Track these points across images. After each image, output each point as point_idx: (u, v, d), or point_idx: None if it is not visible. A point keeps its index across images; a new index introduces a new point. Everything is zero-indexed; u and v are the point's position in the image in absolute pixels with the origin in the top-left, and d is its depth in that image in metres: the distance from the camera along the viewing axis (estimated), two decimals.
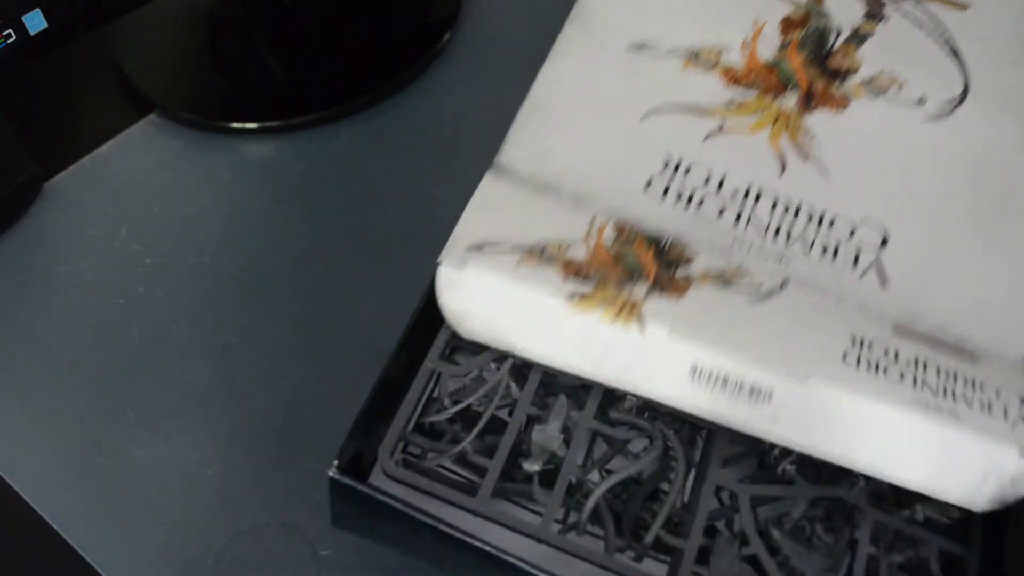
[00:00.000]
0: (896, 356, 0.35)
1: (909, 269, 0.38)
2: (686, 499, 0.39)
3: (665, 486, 0.39)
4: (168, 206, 0.60)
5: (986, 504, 0.35)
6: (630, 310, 0.36)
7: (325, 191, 0.60)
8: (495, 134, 0.61)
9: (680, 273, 0.37)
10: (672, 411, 0.37)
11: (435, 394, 0.40)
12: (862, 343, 0.35)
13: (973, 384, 0.35)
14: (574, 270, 0.36)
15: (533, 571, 0.35)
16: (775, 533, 0.37)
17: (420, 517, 0.35)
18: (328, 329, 0.53)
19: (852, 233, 0.39)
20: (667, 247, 0.38)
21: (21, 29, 0.53)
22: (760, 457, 0.40)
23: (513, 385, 0.39)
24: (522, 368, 0.39)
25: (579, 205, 0.39)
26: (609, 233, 0.38)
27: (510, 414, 0.39)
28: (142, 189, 0.60)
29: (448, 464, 0.39)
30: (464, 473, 0.39)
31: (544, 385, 0.39)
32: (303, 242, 0.58)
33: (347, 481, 0.36)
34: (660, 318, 0.35)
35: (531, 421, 0.39)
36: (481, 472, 0.37)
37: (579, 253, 0.37)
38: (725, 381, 0.35)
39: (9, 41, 0.52)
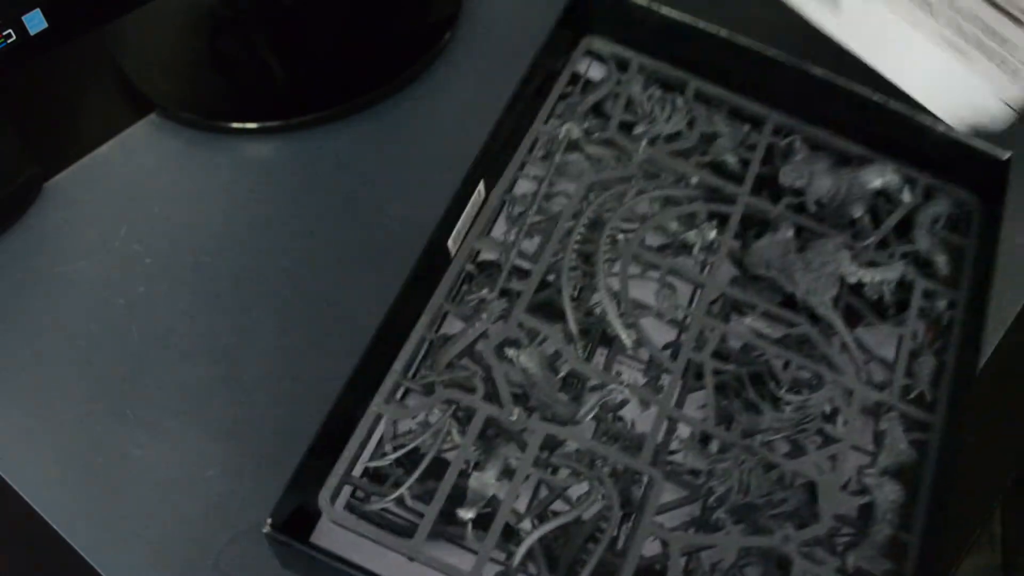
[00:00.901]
0: (954, 4, 0.47)
1: None
2: (623, 545, 0.40)
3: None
4: (168, 206, 0.60)
5: (966, 129, 0.47)
6: None
7: (325, 191, 0.60)
8: None
9: None
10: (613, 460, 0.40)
11: (379, 438, 0.41)
12: None
13: (1004, 42, 0.45)
14: None
15: None
16: None
17: (349, 571, 0.37)
18: (328, 329, 0.53)
19: None
20: None
21: (21, 29, 0.53)
22: (700, 502, 0.41)
23: (455, 431, 0.40)
24: (467, 411, 0.40)
25: None
26: None
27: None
28: (142, 189, 0.60)
29: (392, 507, 0.40)
30: (407, 516, 0.40)
31: (488, 428, 0.41)
32: (303, 242, 0.58)
33: (281, 537, 0.37)
34: None
35: (475, 465, 0.40)
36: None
37: None
38: None
39: (9, 41, 0.52)
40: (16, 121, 0.60)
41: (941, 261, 0.50)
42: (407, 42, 0.68)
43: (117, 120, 0.64)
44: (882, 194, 0.51)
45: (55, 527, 0.47)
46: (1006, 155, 0.50)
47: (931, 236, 0.50)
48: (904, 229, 0.51)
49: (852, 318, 0.48)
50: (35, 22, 0.53)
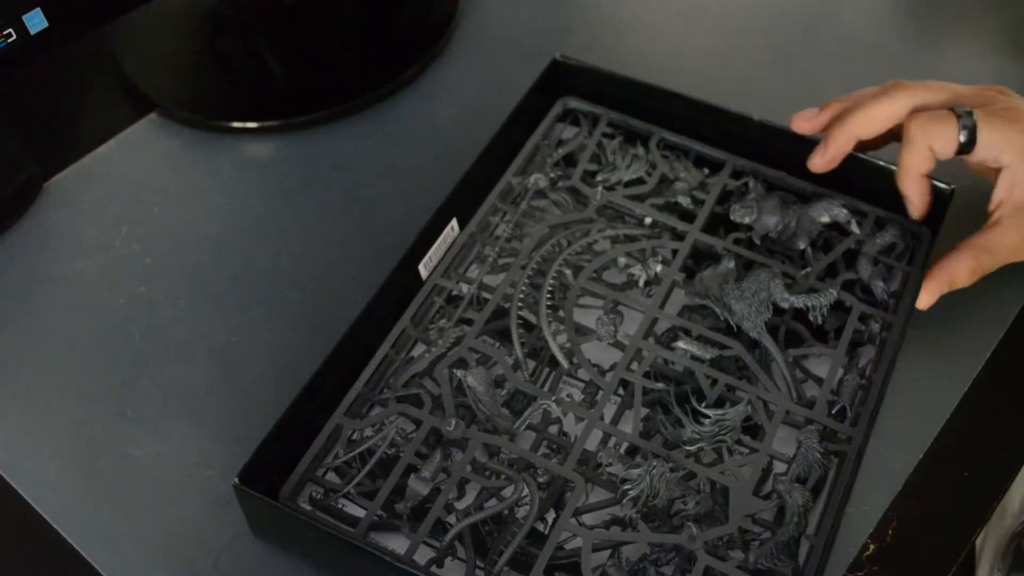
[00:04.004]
0: None
1: None
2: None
3: (539, 527, 0.45)
4: (168, 206, 0.60)
5: None
6: None
7: (325, 191, 0.61)
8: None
9: None
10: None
11: (335, 445, 0.47)
12: None
13: None
14: None
15: None
16: (612, 571, 0.43)
17: (316, 525, 0.42)
18: (327, 329, 0.53)
19: None
20: None
21: (22, 28, 0.53)
22: (614, 505, 0.45)
23: (400, 438, 0.46)
24: (414, 420, 0.47)
25: None
26: None
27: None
28: (142, 189, 0.61)
29: (354, 502, 0.46)
30: (363, 505, 0.45)
31: (432, 435, 0.46)
32: (303, 242, 0.58)
33: (248, 491, 0.42)
34: None
35: (415, 468, 0.45)
36: (381, 506, 0.44)
37: None
38: None
39: (9, 41, 0.53)
40: (16, 121, 0.60)
41: (878, 288, 0.52)
42: (406, 42, 0.68)
43: (117, 120, 0.64)
44: (835, 227, 0.55)
45: (55, 527, 0.47)
46: (950, 188, 0.53)
47: (872, 264, 0.53)
48: (853, 259, 0.54)
49: (796, 341, 0.52)
50: (35, 22, 0.53)
